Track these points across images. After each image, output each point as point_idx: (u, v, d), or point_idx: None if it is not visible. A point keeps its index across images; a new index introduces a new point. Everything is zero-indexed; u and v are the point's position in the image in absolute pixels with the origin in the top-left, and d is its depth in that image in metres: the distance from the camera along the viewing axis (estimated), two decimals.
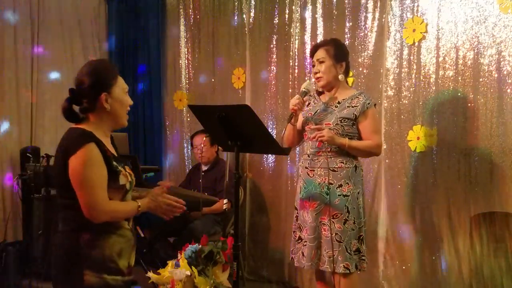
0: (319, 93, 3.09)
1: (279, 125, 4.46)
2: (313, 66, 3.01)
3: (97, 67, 2.10)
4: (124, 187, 2.07)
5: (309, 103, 3.08)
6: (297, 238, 3.04)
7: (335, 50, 2.95)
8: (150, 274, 3.10)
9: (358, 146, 2.90)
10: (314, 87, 3.06)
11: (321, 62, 2.94)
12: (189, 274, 3.41)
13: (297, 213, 3.08)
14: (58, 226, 2.06)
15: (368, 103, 2.91)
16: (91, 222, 1.95)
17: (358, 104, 2.91)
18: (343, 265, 2.83)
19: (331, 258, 2.83)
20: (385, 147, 3.79)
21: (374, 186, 3.85)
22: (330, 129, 2.88)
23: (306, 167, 3.01)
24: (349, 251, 2.84)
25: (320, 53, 2.95)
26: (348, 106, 2.92)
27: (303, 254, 2.97)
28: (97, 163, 1.96)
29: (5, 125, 4.91)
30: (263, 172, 4.59)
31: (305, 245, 2.95)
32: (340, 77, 2.96)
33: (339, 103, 2.96)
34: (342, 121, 2.89)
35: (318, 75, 2.96)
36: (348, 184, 2.88)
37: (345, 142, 2.85)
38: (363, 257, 2.90)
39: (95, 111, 2.06)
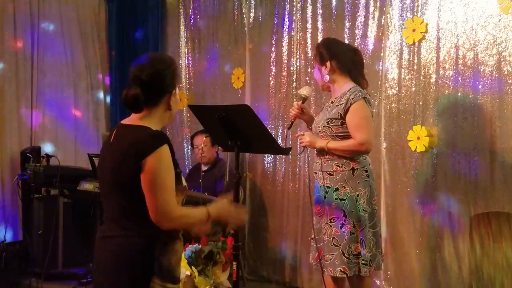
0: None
1: (279, 125, 4.47)
2: None
3: (173, 62, 2.03)
4: (185, 188, 2.01)
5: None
6: (312, 236, 3.04)
7: (317, 53, 2.97)
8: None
9: (337, 147, 2.82)
10: (311, 92, 3.09)
11: (314, 68, 3.02)
12: (189, 274, 3.42)
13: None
14: (107, 231, 1.94)
15: (352, 98, 2.80)
16: (163, 227, 1.86)
17: (343, 102, 2.83)
18: (340, 269, 2.78)
19: (328, 262, 2.82)
20: (385, 147, 3.79)
21: (374, 186, 3.84)
22: (320, 131, 2.88)
23: (314, 170, 3.02)
24: (346, 255, 2.78)
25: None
26: (337, 105, 2.86)
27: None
28: (171, 166, 1.87)
29: (6, 125, 4.91)
30: (263, 172, 4.59)
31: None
32: (325, 78, 2.93)
33: (332, 102, 2.93)
34: (329, 122, 2.84)
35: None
36: (345, 187, 2.82)
37: (323, 144, 2.82)
38: (364, 261, 2.80)
39: (158, 106, 1.96)
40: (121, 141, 1.92)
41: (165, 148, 1.85)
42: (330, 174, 2.86)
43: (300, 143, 2.92)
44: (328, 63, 2.90)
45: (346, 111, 2.80)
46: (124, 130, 1.97)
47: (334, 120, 2.83)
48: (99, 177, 2.06)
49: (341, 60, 2.91)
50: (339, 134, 2.84)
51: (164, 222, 1.84)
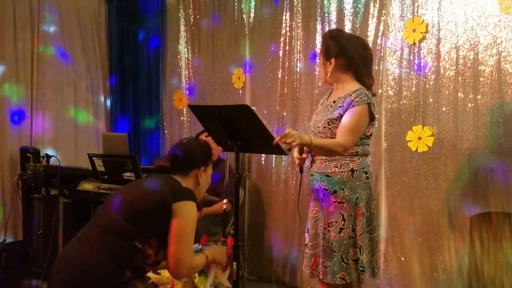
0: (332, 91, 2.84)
1: (279, 125, 4.47)
2: None
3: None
4: None
5: (323, 102, 2.88)
6: (306, 242, 2.83)
7: (324, 47, 2.70)
8: (150, 274, 3.09)
9: (320, 144, 2.57)
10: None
11: (319, 59, 2.75)
12: None
13: (309, 215, 2.86)
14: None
15: (356, 101, 2.57)
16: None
17: (346, 104, 2.61)
18: (339, 276, 2.61)
19: (327, 269, 2.63)
20: (385, 147, 3.79)
21: (374, 186, 3.83)
22: (319, 132, 2.68)
23: (310, 172, 2.83)
24: (346, 261, 2.61)
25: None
26: (339, 106, 2.63)
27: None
28: None
29: (6, 125, 4.91)
30: (263, 172, 4.59)
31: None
32: (328, 77, 2.71)
33: (334, 102, 2.69)
34: (330, 123, 2.64)
35: None
36: (344, 190, 2.62)
37: (309, 140, 2.50)
38: (361, 268, 2.62)
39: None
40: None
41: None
42: (327, 176, 2.67)
43: (289, 143, 2.43)
44: (332, 60, 2.66)
45: (345, 112, 2.60)
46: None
47: (334, 121, 2.63)
48: None
49: (349, 57, 2.65)
50: None
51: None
